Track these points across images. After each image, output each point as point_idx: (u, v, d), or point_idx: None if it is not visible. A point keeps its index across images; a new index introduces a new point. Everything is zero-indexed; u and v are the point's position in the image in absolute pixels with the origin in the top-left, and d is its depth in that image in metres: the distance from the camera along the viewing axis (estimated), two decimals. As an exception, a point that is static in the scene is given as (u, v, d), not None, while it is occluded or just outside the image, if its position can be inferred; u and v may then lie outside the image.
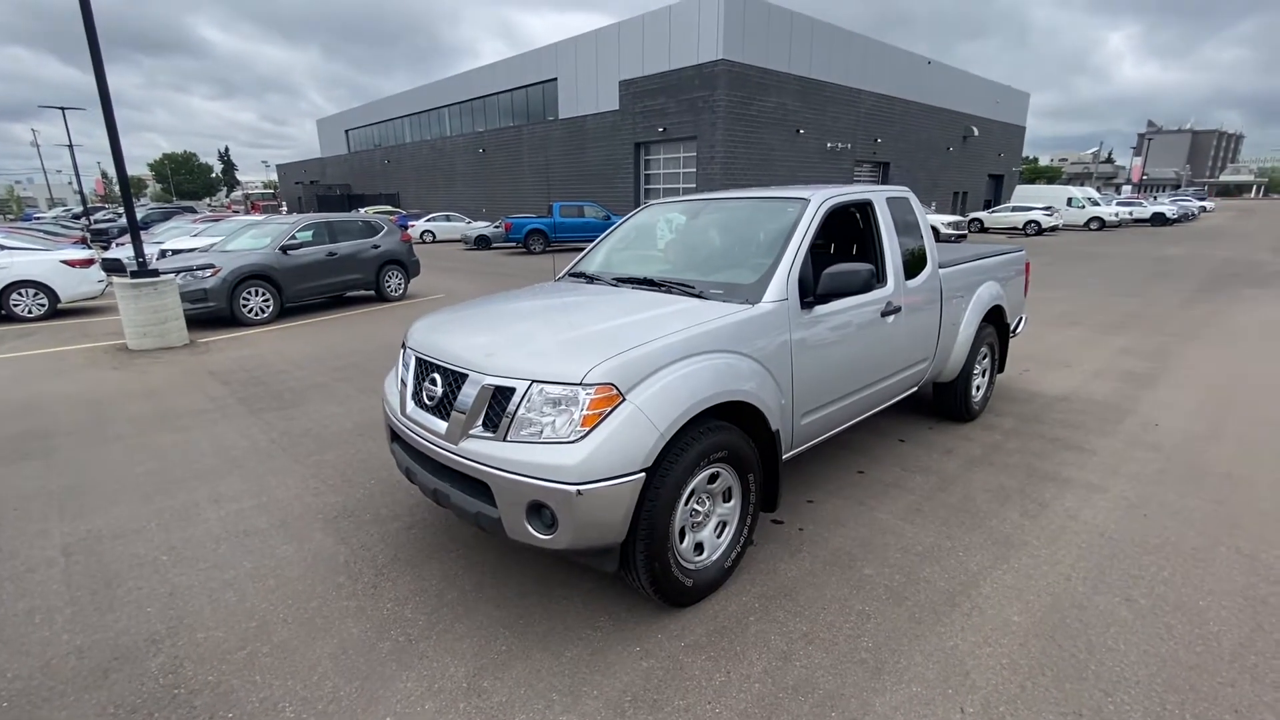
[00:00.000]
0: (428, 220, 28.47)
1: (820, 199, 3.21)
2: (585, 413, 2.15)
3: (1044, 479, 3.72)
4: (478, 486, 2.34)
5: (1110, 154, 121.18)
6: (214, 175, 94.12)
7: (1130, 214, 32.59)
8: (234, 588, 2.72)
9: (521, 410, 2.23)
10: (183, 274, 8.58)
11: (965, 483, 3.69)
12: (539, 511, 2.17)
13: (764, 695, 2.09)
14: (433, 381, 2.56)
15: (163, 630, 2.44)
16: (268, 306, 9.25)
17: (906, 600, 2.59)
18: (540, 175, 31.80)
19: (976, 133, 36.88)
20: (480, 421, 2.34)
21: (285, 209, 39.67)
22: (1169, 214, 33.75)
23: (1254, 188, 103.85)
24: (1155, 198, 49.29)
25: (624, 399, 2.19)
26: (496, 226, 24.81)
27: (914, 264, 3.72)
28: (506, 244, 23.87)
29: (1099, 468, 3.87)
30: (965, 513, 3.33)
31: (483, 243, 24.69)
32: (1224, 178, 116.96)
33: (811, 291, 2.91)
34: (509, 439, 2.24)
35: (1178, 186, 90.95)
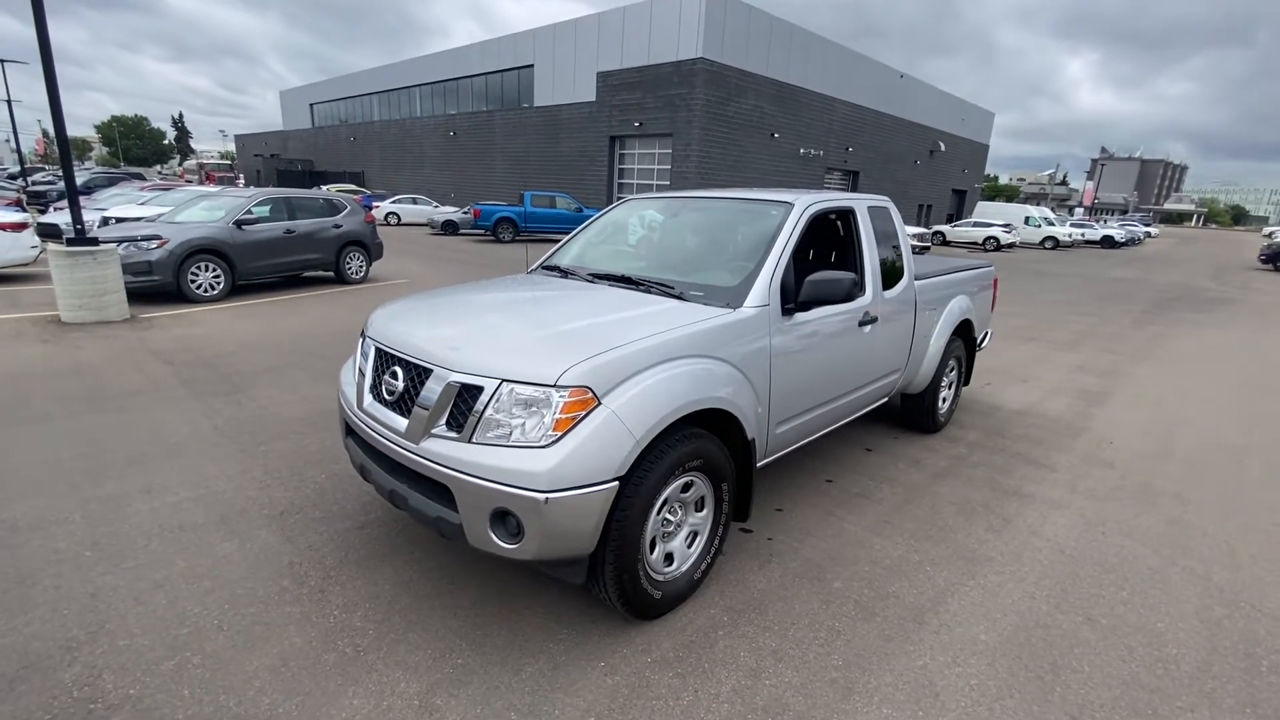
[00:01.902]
0: (393, 202, 27.65)
1: (804, 204, 3.15)
2: (558, 416, 2.03)
3: (1007, 494, 3.76)
4: (438, 489, 2.19)
5: (1065, 176, 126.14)
6: (166, 142, 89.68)
7: (1083, 235, 33.96)
8: (164, 589, 2.51)
9: (489, 411, 2.10)
10: (126, 244, 8.06)
11: (932, 495, 3.70)
12: (504, 519, 2.04)
13: (732, 716, 2.01)
14: (393, 375, 2.40)
15: (81, 636, 2.22)
16: (218, 283, 8.77)
17: (876, 616, 2.55)
18: (511, 163, 31.26)
19: (943, 148, 37.86)
20: (444, 420, 2.20)
21: (243, 181, 38.00)
22: (1117, 238, 35.29)
23: (1194, 217, 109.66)
24: (1105, 221, 51.49)
25: (599, 403, 2.08)
26: (465, 212, 24.27)
27: (891, 274, 3.70)
28: (474, 231, 23.40)
29: (1058, 484, 3.93)
30: (932, 525, 3.33)
31: (450, 228, 24.14)
32: (1168, 205, 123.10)
33: (793, 298, 2.84)
34: (474, 440, 2.11)
35: (1125, 212, 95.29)
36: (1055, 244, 30.89)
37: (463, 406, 2.17)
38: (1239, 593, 2.82)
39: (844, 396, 3.41)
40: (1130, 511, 3.58)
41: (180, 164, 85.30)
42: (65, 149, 7.03)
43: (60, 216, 12.90)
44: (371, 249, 11.35)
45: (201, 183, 34.17)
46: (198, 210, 9.58)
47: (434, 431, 2.20)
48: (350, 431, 2.73)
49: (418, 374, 2.31)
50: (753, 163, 25.81)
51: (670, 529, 2.46)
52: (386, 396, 2.42)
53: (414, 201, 28.47)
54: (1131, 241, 38.60)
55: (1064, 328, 9.52)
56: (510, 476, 1.99)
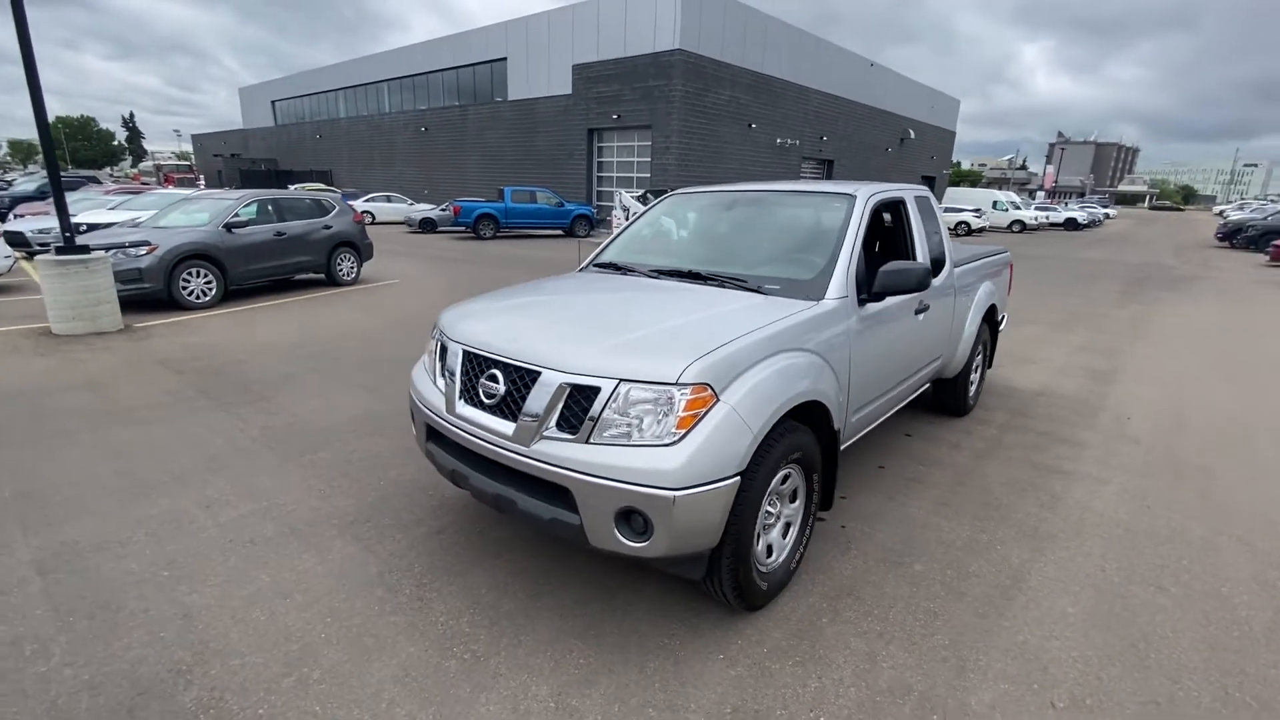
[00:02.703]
0: (367, 200, 27.04)
1: (866, 195, 3.20)
2: (681, 414, 2.04)
3: (1048, 471, 3.89)
4: (552, 491, 2.19)
5: (1025, 161, 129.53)
6: (116, 143, 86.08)
7: (1047, 218, 34.95)
8: (259, 605, 2.45)
9: (608, 411, 2.09)
10: (114, 251, 7.75)
11: (981, 476, 3.80)
12: (629, 518, 2.05)
13: (863, 700, 2.06)
14: (492, 379, 2.37)
15: (188, 658, 2.17)
16: (210, 289, 8.50)
17: (965, 595, 2.63)
18: (486, 158, 30.84)
19: (913, 135, 38.51)
20: (554, 422, 2.19)
21: (203, 183, 36.67)
22: (1080, 220, 36.40)
23: (1147, 197, 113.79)
24: (1066, 204, 53.02)
25: (718, 399, 2.10)
26: (443, 209, 23.88)
27: (937, 263, 3.78)
28: (454, 228, 23.05)
29: (1092, 460, 4.08)
30: (989, 506, 3.43)
31: (428, 226, 23.74)
32: (1122, 187, 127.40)
33: (865, 288, 2.89)
34: (593, 441, 2.10)
35: (1083, 194, 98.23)
36: (1022, 227, 31.73)
37: (575, 408, 2.16)
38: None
39: (902, 383, 3.48)
40: (1165, 485, 3.74)
41: (134, 166, 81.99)
42: (50, 153, 6.72)
43: (24, 224, 12.32)
44: (362, 250, 11.12)
45: (160, 185, 32.92)
46: (178, 215, 9.26)
47: (546, 434, 2.19)
48: (434, 437, 2.70)
49: (521, 377, 2.29)
50: (731, 153, 25.92)
51: (770, 521, 2.49)
52: (485, 400, 2.39)
53: (388, 199, 27.90)
54: (1093, 223, 39.86)
55: (1054, 309, 9.81)
56: (638, 475, 1.99)
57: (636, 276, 3.25)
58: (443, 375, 2.68)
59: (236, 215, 8.99)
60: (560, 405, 2.18)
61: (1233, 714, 2.03)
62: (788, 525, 2.61)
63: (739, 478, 2.09)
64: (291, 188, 26.41)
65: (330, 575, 2.66)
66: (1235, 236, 23.73)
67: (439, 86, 32.77)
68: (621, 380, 2.10)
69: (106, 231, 9.37)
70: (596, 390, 2.13)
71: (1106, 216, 48.14)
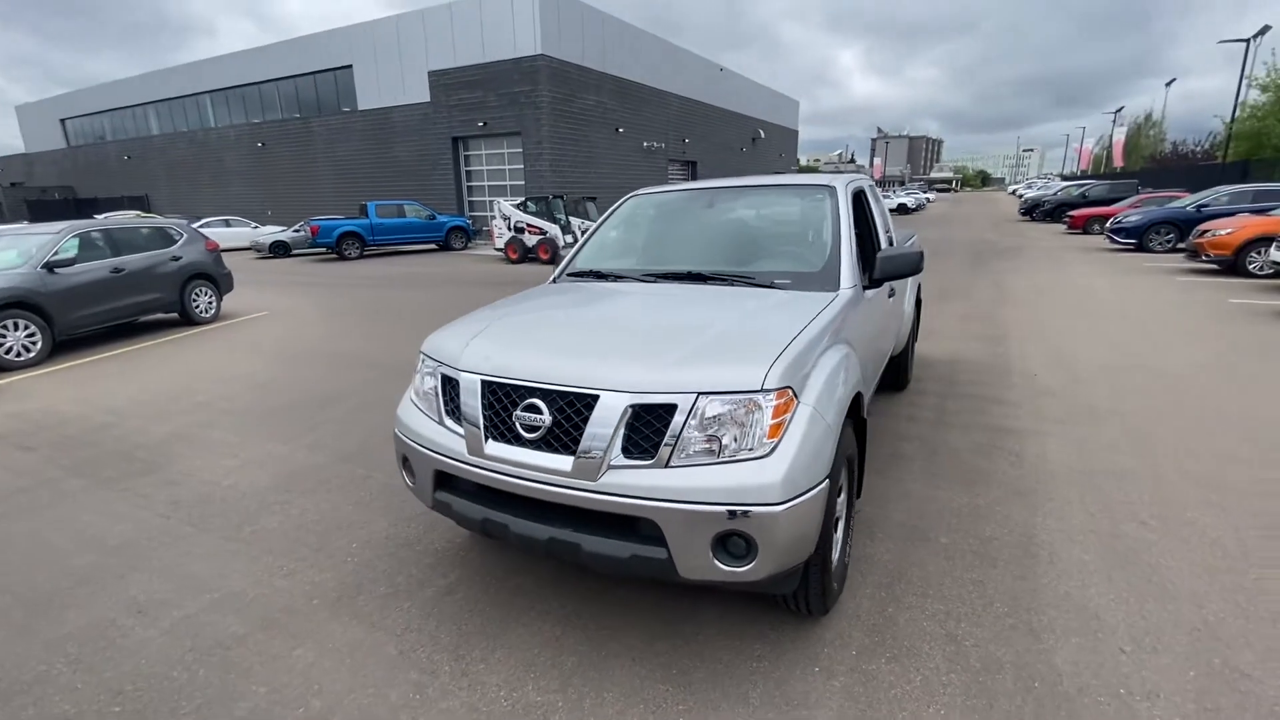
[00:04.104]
0: (201, 226, 23.87)
1: (844, 185, 3.26)
2: (770, 422, 1.91)
3: (999, 431, 4.22)
4: (626, 525, 1.97)
5: (853, 155, 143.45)
6: None
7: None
8: (265, 725, 1.97)
9: (688, 429, 1.91)
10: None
11: (947, 444, 4.04)
12: (726, 542, 1.88)
13: (968, 684, 2.05)
14: (531, 409, 2.09)
15: (196, 815, 1.67)
16: (34, 343, 6.98)
17: (996, 560, 2.75)
18: (338, 172, 28.47)
19: (764, 135, 41.08)
20: (619, 448, 1.96)
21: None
22: (910, 205, 40.88)
23: (953, 182, 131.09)
24: (895, 191, 59.42)
25: (799, 402, 1.99)
26: (298, 230, 21.72)
27: (890, 245, 3.96)
28: (312, 250, 21.07)
29: (1028, 416, 4.49)
30: (970, 470, 3.64)
31: (280, 250, 21.47)
32: (933, 175, 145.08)
33: (867, 275, 2.93)
34: (673, 464, 1.91)
35: (903, 183, 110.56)
36: (868, 214, 34.96)
37: (645, 430, 1.96)
38: (1212, 476, 3.43)
39: (881, 363, 3.60)
40: (1093, 430, 4.20)
41: None
42: None
43: None
44: (220, 281, 9.75)
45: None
46: (-21, 256, 7.53)
47: (613, 463, 1.96)
48: (446, 485, 2.34)
49: (571, 403, 2.03)
50: (603, 157, 26.03)
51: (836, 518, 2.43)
52: (525, 435, 2.10)
53: (226, 224, 24.87)
54: (920, 207, 44.97)
55: (925, 285, 10.83)
56: (736, 495, 1.83)
57: (633, 282, 3.06)
58: (451, 414, 2.34)
59: (56, 252, 7.48)
60: (624, 429, 1.96)
61: (1257, 627, 2.28)
62: (838, 520, 2.56)
63: (828, 481, 2.00)
64: (98, 218, 22.71)
65: (342, 668, 2.21)
66: (1035, 211, 27.82)
67: (275, 98, 29.70)
68: (700, 393, 1.92)
69: None
70: (669, 408, 1.93)
71: (928, 200, 54.54)
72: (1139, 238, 14.60)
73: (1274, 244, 9.49)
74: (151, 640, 2.38)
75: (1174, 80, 43.01)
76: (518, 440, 2.12)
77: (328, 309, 10.38)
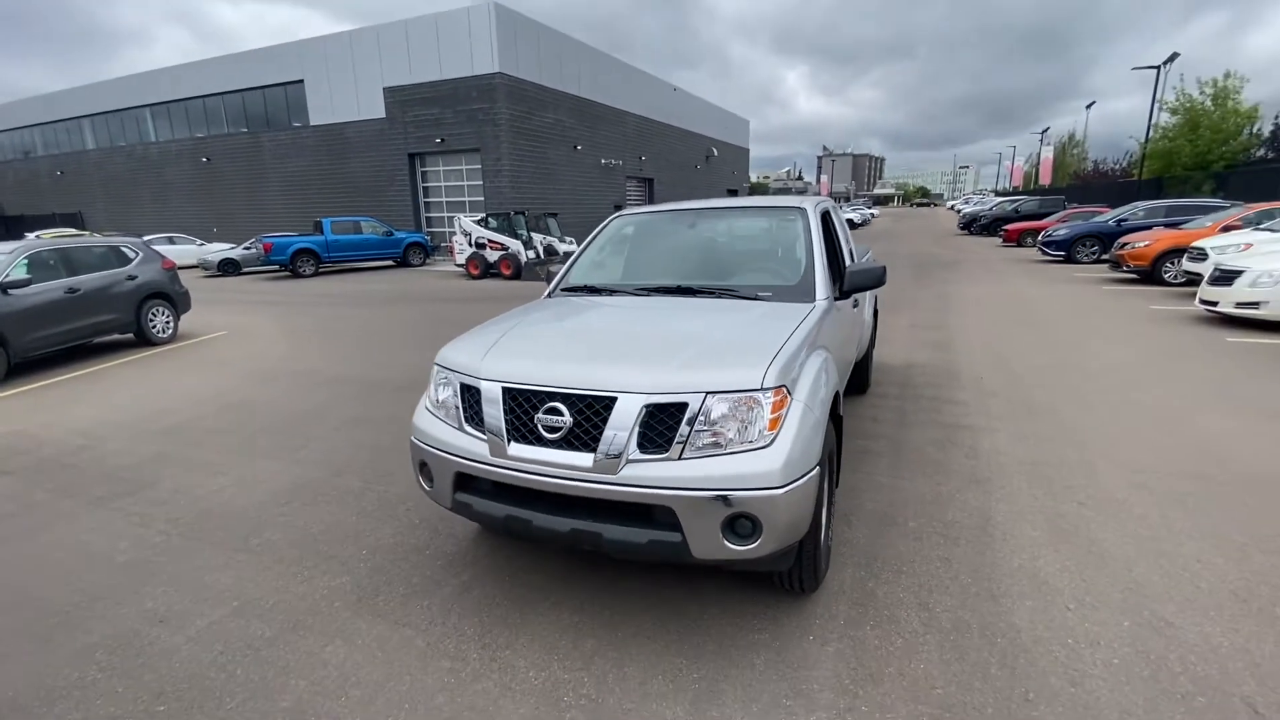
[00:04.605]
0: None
1: (812, 206, 3.60)
2: (769, 416, 2.18)
3: (955, 428, 4.63)
4: (643, 514, 2.20)
5: (800, 172, 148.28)
6: None
7: (835, 220, 40.31)
8: (313, 714, 2.10)
9: (698, 424, 2.17)
10: None
11: (910, 441, 4.41)
12: (734, 524, 2.14)
13: (942, 642, 2.36)
14: (553, 411, 2.30)
15: (262, 793, 1.81)
16: (-15, 367, 6.73)
17: (959, 540, 3.09)
18: (289, 188, 27.86)
19: (716, 153, 42.19)
20: (634, 444, 2.20)
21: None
22: (855, 220, 42.59)
23: (895, 198, 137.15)
24: (843, 206, 61.75)
25: (792, 399, 2.27)
26: (248, 248, 21.19)
27: (853, 259, 4.34)
28: (264, 268, 20.59)
29: (978, 414, 4.94)
30: (931, 463, 4.01)
31: (230, 267, 20.92)
32: (877, 190, 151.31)
33: (837, 287, 3.27)
34: (686, 456, 2.16)
35: (848, 199, 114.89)
36: (819, 229, 36.24)
37: (658, 426, 2.20)
38: (1136, 461, 3.89)
39: (849, 368, 3.94)
40: (1033, 425, 4.65)
41: None
42: None
43: None
44: (178, 301, 9.54)
45: None
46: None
47: (631, 457, 2.19)
48: (467, 486, 2.52)
49: (590, 405, 2.26)
50: (562, 174, 26.31)
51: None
52: (546, 435, 2.31)
53: (171, 241, 23.98)
54: (865, 222, 46.89)
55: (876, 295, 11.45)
56: (743, 481, 2.09)
57: (626, 296, 3.31)
58: (470, 420, 2.53)
59: (8, 274, 7.23)
60: (639, 427, 2.20)
61: (1177, 584, 2.67)
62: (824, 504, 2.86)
63: (819, 467, 2.28)
64: (30, 236, 21.62)
65: (376, 661, 2.36)
66: (972, 225, 29.45)
67: (220, 111, 28.89)
68: (709, 393, 2.18)
69: None
70: (680, 406, 2.19)
71: (872, 216, 56.90)
72: (1068, 250, 15.75)
73: (1185, 255, 10.49)
74: (179, 647, 2.47)
75: (1094, 103, 46.31)
76: (539, 441, 2.34)
77: (288, 327, 10.24)
